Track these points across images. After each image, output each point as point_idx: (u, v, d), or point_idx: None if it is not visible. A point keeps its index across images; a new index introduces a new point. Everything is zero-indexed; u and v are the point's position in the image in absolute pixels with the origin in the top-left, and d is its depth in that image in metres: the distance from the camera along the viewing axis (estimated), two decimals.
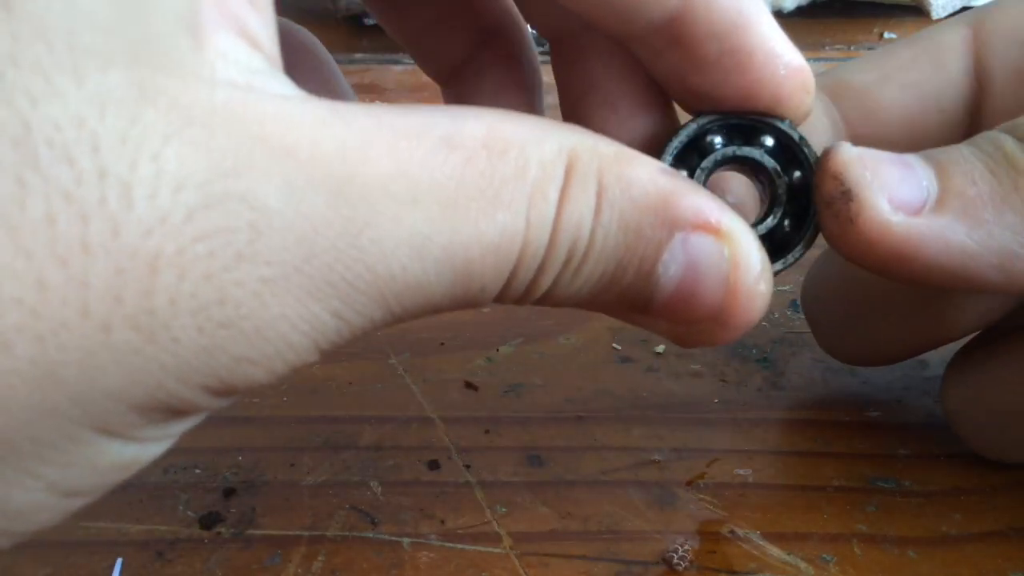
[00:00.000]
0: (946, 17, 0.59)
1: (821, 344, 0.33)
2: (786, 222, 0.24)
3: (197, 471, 0.31)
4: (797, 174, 0.24)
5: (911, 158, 0.23)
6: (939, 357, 0.31)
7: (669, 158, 0.24)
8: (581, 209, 0.19)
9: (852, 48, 0.61)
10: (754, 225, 0.24)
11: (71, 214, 0.14)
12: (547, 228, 0.19)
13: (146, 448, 0.17)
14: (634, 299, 0.21)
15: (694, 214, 0.20)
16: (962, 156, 0.23)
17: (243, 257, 0.15)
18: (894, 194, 0.22)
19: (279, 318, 0.16)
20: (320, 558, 0.28)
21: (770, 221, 0.24)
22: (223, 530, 0.29)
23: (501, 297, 0.19)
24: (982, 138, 0.24)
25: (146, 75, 0.15)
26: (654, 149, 0.24)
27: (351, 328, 0.17)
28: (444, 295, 0.18)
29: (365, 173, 0.17)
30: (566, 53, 0.26)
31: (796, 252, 0.24)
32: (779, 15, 0.61)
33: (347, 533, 0.29)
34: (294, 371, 0.17)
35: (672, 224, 0.20)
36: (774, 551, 0.28)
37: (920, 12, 0.60)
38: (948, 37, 0.29)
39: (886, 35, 0.62)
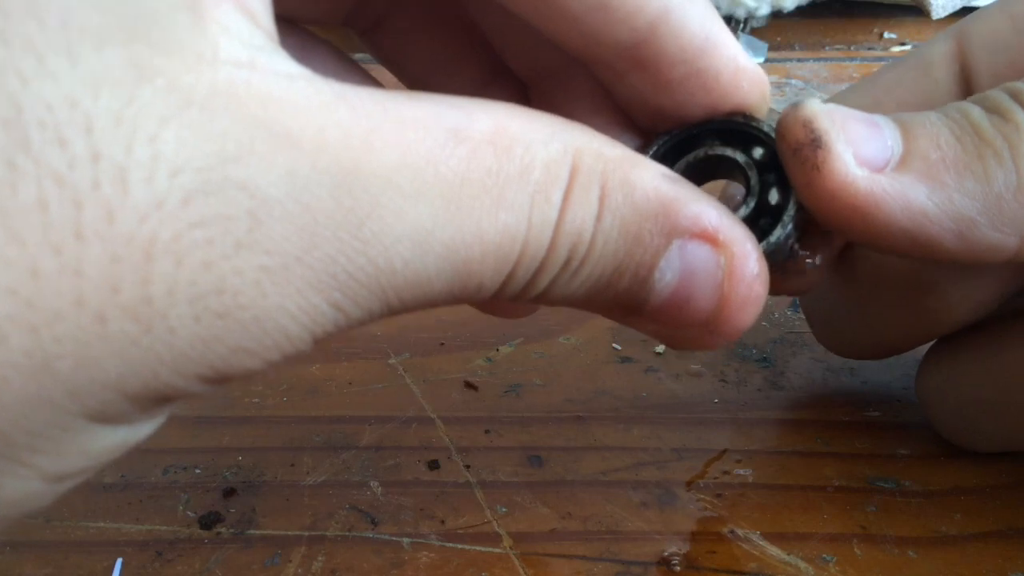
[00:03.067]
0: (946, 17, 0.59)
1: (817, 337, 0.33)
2: (772, 192, 0.24)
3: (197, 471, 0.31)
4: (759, 150, 0.24)
5: (879, 118, 0.23)
6: None
7: None
8: (583, 213, 0.19)
9: (852, 48, 0.61)
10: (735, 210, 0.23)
11: (63, 199, 0.14)
12: (548, 230, 0.19)
13: (135, 430, 0.17)
14: (628, 302, 0.21)
15: (693, 222, 0.20)
16: (929, 120, 0.23)
17: (242, 245, 0.15)
18: (859, 150, 0.22)
19: (278, 308, 0.16)
20: (320, 558, 0.28)
21: (749, 205, 0.24)
22: (223, 530, 0.29)
23: (498, 294, 0.19)
24: (951, 106, 0.24)
25: (143, 54, 0.15)
26: None
27: (348, 319, 0.17)
28: (442, 290, 0.18)
29: (370, 163, 0.16)
30: (544, 90, 0.26)
31: (778, 230, 0.24)
32: (779, 15, 0.61)
33: (347, 533, 0.29)
34: (287, 360, 0.17)
35: (671, 231, 0.20)
36: (774, 551, 0.28)
37: (920, 12, 0.60)
38: (933, 52, 0.29)
39: (886, 35, 0.62)
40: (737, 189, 0.27)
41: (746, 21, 0.60)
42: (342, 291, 0.16)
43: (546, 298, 0.20)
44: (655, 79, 0.23)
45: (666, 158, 0.25)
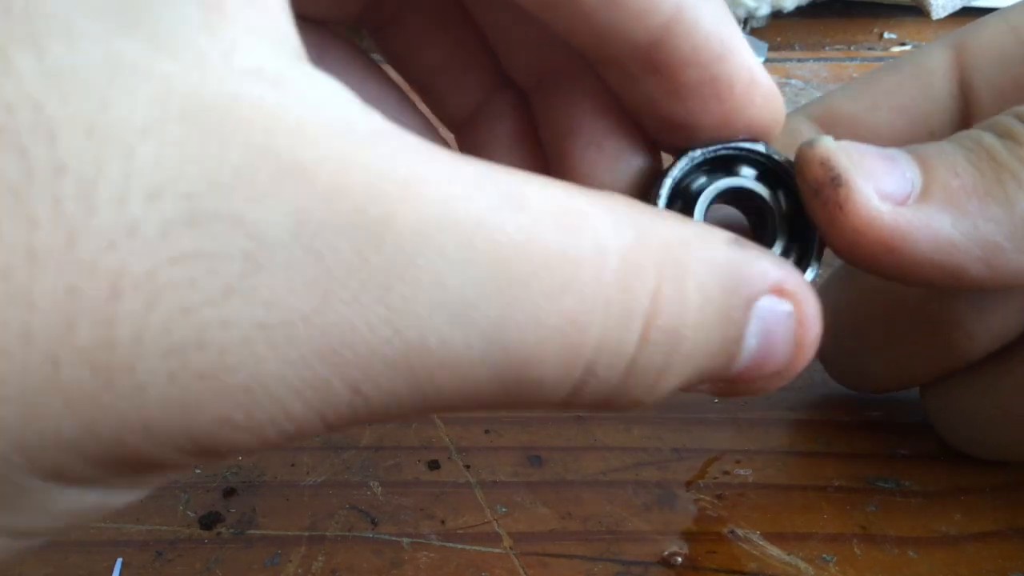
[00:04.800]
0: (946, 17, 0.59)
1: (832, 375, 0.33)
2: (797, 229, 0.24)
3: (197, 471, 0.31)
4: (784, 188, 0.24)
5: (894, 152, 0.23)
6: None
7: (663, 200, 0.23)
8: (675, 303, 0.17)
9: (852, 48, 0.61)
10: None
11: (16, 215, 0.12)
12: (635, 322, 0.16)
13: (112, 494, 0.15)
14: (713, 378, 0.19)
15: (764, 281, 0.19)
16: (944, 150, 0.23)
17: (233, 291, 0.13)
18: (880, 185, 0.22)
19: (275, 377, 0.13)
20: (320, 558, 0.28)
21: (778, 244, 0.24)
22: (223, 530, 0.29)
23: (574, 396, 0.16)
24: (963, 135, 0.24)
25: (128, 50, 0.13)
26: (641, 189, 0.24)
27: (369, 406, 0.14)
28: (489, 380, 0.15)
29: (406, 215, 0.14)
30: (549, 97, 0.25)
31: (813, 268, 0.23)
32: (779, 15, 0.61)
33: (347, 533, 0.29)
34: (292, 442, 0.14)
35: (750, 298, 0.19)
36: (774, 551, 0.28)
37: (920, 12, 0.60)
38: (932, 60, 0.29)
39: (886, 35, 0.62)
40: (730, 211, 0.26)
41: (746, 21, 0.60)
42: (360, 367, 0.14)
43: (646, 402, 0.18)
44: (668, 83, 0.22)
45: (685, 178, 0.24)
